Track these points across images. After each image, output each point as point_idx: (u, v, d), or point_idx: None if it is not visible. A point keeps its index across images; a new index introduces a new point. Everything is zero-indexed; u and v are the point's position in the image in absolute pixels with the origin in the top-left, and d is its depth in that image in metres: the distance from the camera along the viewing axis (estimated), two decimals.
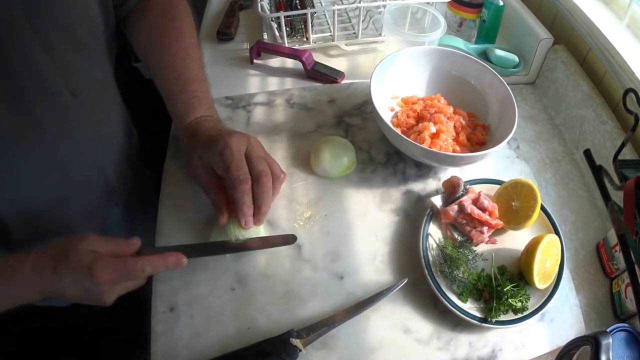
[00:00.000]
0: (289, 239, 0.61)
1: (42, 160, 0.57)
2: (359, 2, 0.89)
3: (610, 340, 0.46)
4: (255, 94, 0.83)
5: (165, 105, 0.69)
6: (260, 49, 0.91)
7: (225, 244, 0.59)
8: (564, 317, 0.60)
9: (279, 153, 0.73)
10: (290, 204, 0.67)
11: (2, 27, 0.47)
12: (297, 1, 0.98)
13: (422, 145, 0.65)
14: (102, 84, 0.65)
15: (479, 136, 0.72)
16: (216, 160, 0.58)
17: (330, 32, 0.95)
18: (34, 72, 0.52)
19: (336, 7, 0.90)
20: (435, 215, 0.65)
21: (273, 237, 0.62)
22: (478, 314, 0.57)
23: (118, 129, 0.71)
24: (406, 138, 0.65)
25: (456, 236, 0.64)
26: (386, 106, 0.78)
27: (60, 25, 0.53)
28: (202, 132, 0.62)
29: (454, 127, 0.72)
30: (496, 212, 0.63)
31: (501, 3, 0.90)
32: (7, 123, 0.51)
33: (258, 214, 0.58)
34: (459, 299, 0.58)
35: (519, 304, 0.56)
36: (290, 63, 0.91)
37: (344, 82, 0.87)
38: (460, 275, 0.59)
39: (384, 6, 0.90)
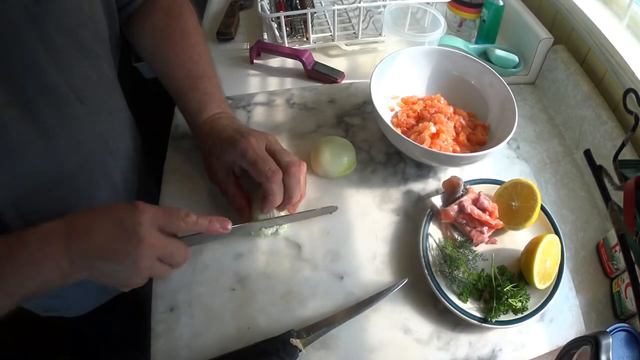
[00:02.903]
0: (330, 209, 0.65)
1: (49, 168, 0.56)
2: (359, 2, 0.89)
3: (610, 340, 0.46)
4: (255, 94, 0.83)
5: (176, 104, 0.69)
6: (260, 49, 0.91)
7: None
8: (564, 317, 0.60)
9: None
10: None
11: (5, 32, 0.46)
12: (297, 1, 0.98)
13: (422, 146, 0.65)
14: (108, 89, 0.64)
15: (479, 136, 0.72)
16: (237, 161, 0.59)
17: (330, 32, 0.95)
18: (40, 78, 0.51)
19: (336, 7, 0.90)
20: (435, 215, 0.65)
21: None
22: (478, 314, 0.57)
23: (124, 135, 0.70)
24: (406, 138, 0.65)
25: (456, 236, 0.64)
26: (386, 106, 0.77)
27: (65, 30, 0.52)
28: (218, 132, 0.62)
29: (454, 127, 0.72)
30: (496, 212, 0.63)
31: (501, 3, 0.90)
32: (14, 131, 0.50)
33: (290, 204, 0.60)
34: (459, 299, 0.58)
35: (519, 304, 0.56)
36: (290, 63, 0.91)
37: (344, 82, 0.87)
38: (460, 275, 0.59)
39: (384, 6, 0.90)
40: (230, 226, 0.55)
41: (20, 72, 0.49)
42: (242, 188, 0.63)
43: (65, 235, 0.46)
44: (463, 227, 0.63)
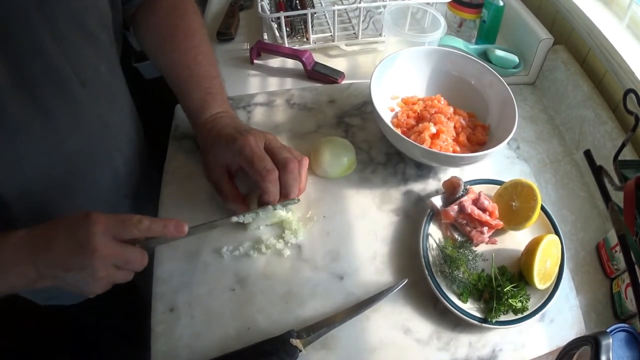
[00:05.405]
0: None
1: (51, 150, 0.57)
2: (359, 3, 0.89)
3: (610, 340, 0.46)
4: (255, 94, 0.83)
5: (179, 102, 0.69)
6: (261, 49, 0.91)
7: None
8: (564, 317, 0.60)
9: None
10: None
11: (12, 14, 0.47)
12: (297, 1, 0.98)
13: (422, 146, 0.65)
14: (110, 75, 0.65)
15: (479, 136, 0.72)
16: (235, 158, 0.60)
17: (330, 32, 0.95)
18: (44, 60, 0.52)
19: (336, 7, 0.90)
20: (435, 215, 0.65)
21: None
22: (478, 314, 0.57)
23: (126, 120, 0.71)
24: (406, 138, 0.65)
25: (456, 236, 0.64)
26: (386, 106, 0.78)
27: (69, 14, 0.53)
28: (218, 131, 0.63)
29: (454, 127, 0.72)
30: (496, 212, 0.63)
31: (501, 3, 0.90)
32: (15, 111, 0.51)
33: (286, 200, 0.61)
34: (459, 299, 0.58)
35: (519, 304, 0.56)
36: (290, 63, 0.91)
37: (344, 82, 0.88)
38: (461, 275, 0.59)
39: (384, 6, 0.90)
40: (186, 228, 0.53)
41: (24, 54, 0.50)
42: (237, 187, 0.63)
43: (29, 247, 0.48)
44: (463, 227, 0.63)
